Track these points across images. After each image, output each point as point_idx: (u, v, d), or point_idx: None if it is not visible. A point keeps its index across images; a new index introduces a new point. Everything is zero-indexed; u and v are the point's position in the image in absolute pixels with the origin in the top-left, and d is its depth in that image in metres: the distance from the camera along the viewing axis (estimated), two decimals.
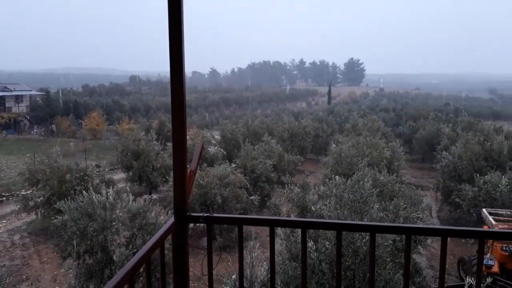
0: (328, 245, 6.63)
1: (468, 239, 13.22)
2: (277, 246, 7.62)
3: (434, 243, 10.81)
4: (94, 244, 9.22)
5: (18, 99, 51.48)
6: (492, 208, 12.01)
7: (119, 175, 21.44)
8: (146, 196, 17.48)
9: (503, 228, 9.42)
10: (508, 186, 13.22)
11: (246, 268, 5.75)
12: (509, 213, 10.85)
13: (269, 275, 3.33)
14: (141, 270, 2.18)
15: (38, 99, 54.75)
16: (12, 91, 51.61)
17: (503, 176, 13.64)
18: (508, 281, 9.05)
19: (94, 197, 9.48)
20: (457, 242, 13.74)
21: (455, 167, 16.90)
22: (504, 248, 10.56)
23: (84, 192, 9.80)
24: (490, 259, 10.04)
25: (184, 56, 2.39)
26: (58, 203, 9.90)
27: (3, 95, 49.43)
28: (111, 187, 13.26)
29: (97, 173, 16.05)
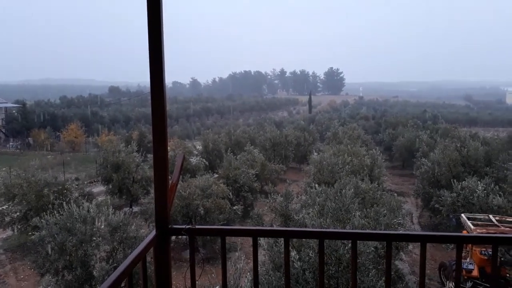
0: (312, 254, 6.64)
1: (448, 244, 13.45)
2: (261, 257, 7.58)
3: (415, 249, 10.96)
4: (73, 259, 9.00)
5: None
6: (471, 213, 12.27)
7: (99, 188, 21.04)
8: (126, 209, 17.24)
9: (481, 232, 9.63)
10: (485, 191, 13.53)
11: (230, 279, 5.70)
12: (486, 217, 11.09)
13: (252, 286, 3.31)
14: (123, 285, 2.14)
15: (14, 111, 53.45)
16: None
17: (479, 182, 13.96)
18: (487, 285, 9.23)
19: (74, 210, 9.27)
20: (438, 247, 13.95)
21: (434, 173, 17.21)
22: (483, 252, 10.77)
23: (64, 205, 9.59)
24: (470, 264, 10.22)
25: (164, 66, 2.38)
26: (34, 219, 9.66)
27: None
28: (90, 200, 13.02)
29: (76, 186, 15.76)
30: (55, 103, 78.67)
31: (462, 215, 11.47)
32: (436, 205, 15.04)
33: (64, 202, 9.99)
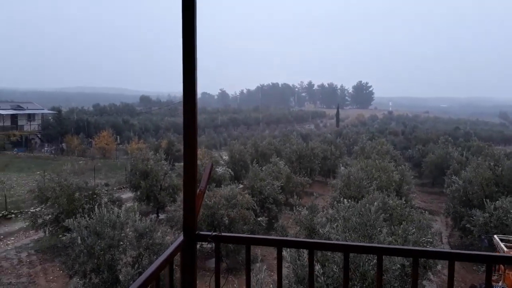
0: (336, 269, 6.56)
1: (480, 266, 12.94)
2: (284, 269, 7.54)
3: (444, 269, 10.60)
4: (101, 263, 9.21)
5: (30, 117, 52.41)
6: (504, 234, 11.79)
7: (127, 194, 21.51)
8: (153, 216, 17.52)
9: None
10: None
11: None
12: None
13: None
14: None
15: (49, 117, 55.67)
16: (24, 109, 52.62)
17: None
18: None
19: (104, 215, 9.52)
20: (468, 269, 13.43)
21: (466, 192, 16.68)
22: None
23: (95, 209, 9.86)
24: (502, 287, 9.81)
25: (197, 78, 2.46)
26: (67, 220, 9.97)
27: (16, 114, 50.38)
28: (119, 206, 13.34)
29: (106, 191, 16.16)
30: (89, 111, 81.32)
31: (495, 236, 11.05)
32: (467, 225, 14.55)
33: (96, 206, 10.27)
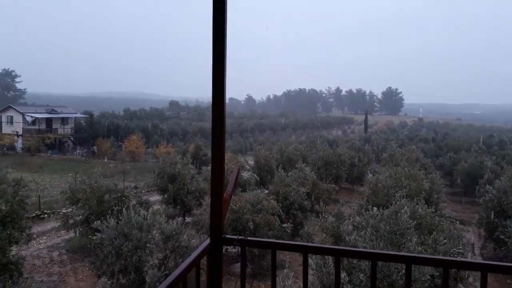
0: (363, 277, 6.43)
1: None
2: (309, 277, 7.46)
3: (477, 281, 10.20)
4: (128, 264, 9.40)
5: (64, 121, 54.31)
6: None
7: (155, 197, 21.89)
8: (179, 219, 17.74)
9: None
10: None
11: None
12: None
13: None
14: None
15: (82, 121, 57.50)
16: (59, 113, 54.59)
17: None
18: None
19: (132, 217, 9.72)
20: (502, 282, 12.88)
21: (500, 202, 16.04)
22: None
23: (123, 211, 10.09)
24: None
25: (226, 84, 2.49)
26: (96, 222, 10.24)
27: (51, 117, 52.34)
28: (147, 208, 13.59)
29: (134, 194, 16.51)
30: (119, 115, 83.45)
31: None
32: (502, 236, 13.99)
33: (124, 208, 10.51)
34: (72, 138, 53.55)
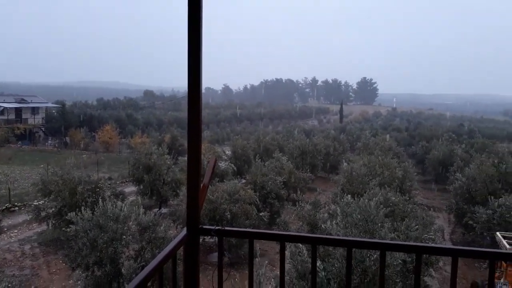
0: (337, 264, 6.57)
1: (481, 263, 12.93)
2: (285, 265, 7.57)
3: (446, 265, 10.61)
4: (103, 256, 9.26)
5: (34, 111, 52.58)
6: (507, 231, 11.78)
7: (130, 188, 21.59)
8: (156, 210, 17.58)
9: None
10: None
11: (254, 286, 5.73)
12: None
13: None
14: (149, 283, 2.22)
15: (53, 111, 55.84)
16: (29, 103, 52.79)
17: None
18: None
19: (108, 208, 9.57)
20: (470, 265, 13.43)
21: (469, 189, 16.64)
22: None
23: (99, 202, 9.92)
24: (504, 284, 9.80)
25: (202, 73, 2.46)
26: (70, 213, 10.02)
27: (20, 107, 50.57)
28: (122, 199, 13.41)
29: (109, 185, 16.23)
30: (92, 105, 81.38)
31: (498, 233, 11.04)
32: (470, 222, 14.53)
33: (100, 199, 10.33)
34: (43, 129, 51.97)
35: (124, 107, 79.44)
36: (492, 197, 14.19)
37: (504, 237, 10.50)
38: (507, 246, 9.87)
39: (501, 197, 13.99)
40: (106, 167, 30.53)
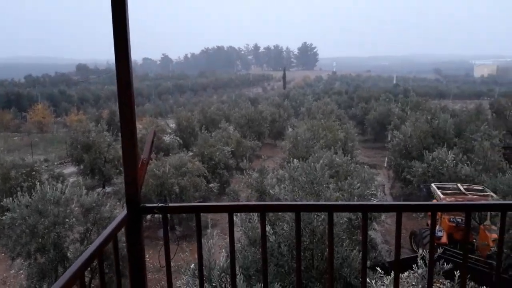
0: (286, 227, 6.71)
1: (418, 214, 13.93)
2: (236, 233, 7.62)
3: (388, 218, 11.28)
4: (46, 242, 8.81)
5: None
6: (440, 182, 12.69)
7: (70, 169, 20.53)
8: (99, 190, 16.90)
9: (450, 201, 9.99)
10: (454, 161, 14.00)
11: (206, 256, 5.70)
12: (455, 186, 11.52)
13: (228, 261, 3.30)
14: (95, 263, 2.08)
15: None
16: None
17: (449, 152, 14.42)
18: (455, 250, 9.65)
19: (47, 192, 9.03)
20: (408, 216, 14.41)
21: (405, 145, 17.63)
22: (451, 219, 11.24)
23: (37, 186, 9.32)
24: (439, 231, 10.65)
25: (130, 40, 2.23)
26: (5, 200, 9.35)
27: None
28: (62, 181, 12.69)
29: (46, 167, 15.29)
30: (20, 83, 75.30)
31: (432, 184, 11.86)
32: (408, 176, 15.47)
33: (37, 183, 9.70)
34: None
35: (56, 83, 74.40)
36: (427, 152, 15.15)
37: (438, 188, 11.33)
38: (441, 196, 10.65)
39: (434, 151, 14.97)
40: (41, 148, 28.72)
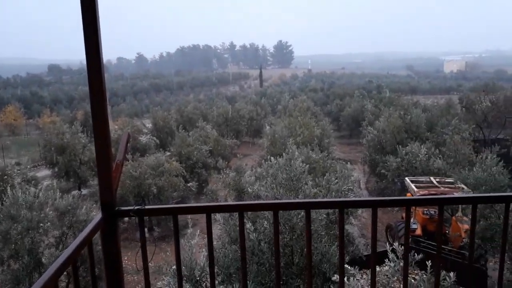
0: (266, 224, 6.76)
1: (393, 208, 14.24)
2: (216, 231, 7.61)
3: (364, 213, 11.51)
4: (19, 248, 8.58)
5: None
6: (414, 176, 13.01)
7: (44, 172, 20.01)
8: (75, 192, 16.56)
9: (424, 194, 10.26)
10: (427, 155, 14.38)
11: (186, 256, 5.69)
12: (428, 179, 11.83)
13: (208, 262, 3.30)
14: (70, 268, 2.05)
15: None
16: None
17: (422, 146, 14.79)
18: (429, 242, 9.93)
19: (19, 196, 8.79)
20: (384, 210, 14.72)
21: (380, 141, 17.99)
22: (425, 212, 11.55)
23: (8, 191, 9.05)
24: (414, 223, 10.92)
25: (101, 39, 2.20)
26: None
27: None
28: (35, 185, 12.37)
29: (18, 171, 14.88)
30: None
31: (406, 178, 12.14)
32: (382, 171, 15.79)
33: (9, 187, 9.41)
34: None
35: (27, 84, 72.18)
36: (400, 146, 15.49)
37: (412, 181, 11.61)
38: (415, 189, 10.93)
39: (408, 146, 15.33)
40: (13, 151, 27.87)
